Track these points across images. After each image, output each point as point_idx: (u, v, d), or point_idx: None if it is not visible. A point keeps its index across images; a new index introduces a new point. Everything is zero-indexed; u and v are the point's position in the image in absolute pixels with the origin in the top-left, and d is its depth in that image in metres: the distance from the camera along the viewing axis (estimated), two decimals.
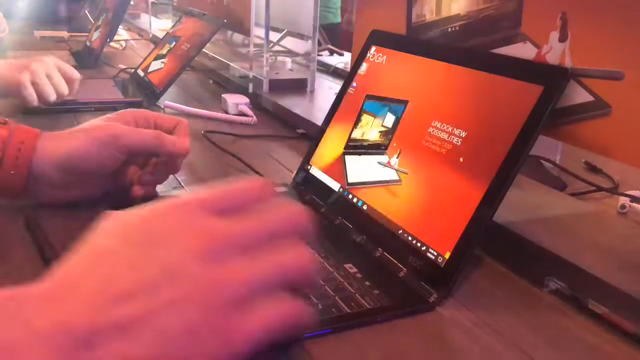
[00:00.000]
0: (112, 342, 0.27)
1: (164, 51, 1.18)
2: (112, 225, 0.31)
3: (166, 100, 1.02)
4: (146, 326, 0.27)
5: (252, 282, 0.29)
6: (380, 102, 0.60)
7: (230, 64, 1.29)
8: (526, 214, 0.55)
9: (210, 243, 0.29)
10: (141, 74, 1.18)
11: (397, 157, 0.55)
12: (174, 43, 1.18)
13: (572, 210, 0.58)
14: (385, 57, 0.63)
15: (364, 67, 0.65)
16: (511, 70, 0.48)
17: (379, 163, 0.56)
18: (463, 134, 0.49)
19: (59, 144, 0.54)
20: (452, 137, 0.50)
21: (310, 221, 0.33)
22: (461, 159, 0.48)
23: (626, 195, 0.67)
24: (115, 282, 0.28)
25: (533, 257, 0.49)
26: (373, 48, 0.65)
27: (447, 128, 0.51)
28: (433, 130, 0.52)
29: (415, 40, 0.66)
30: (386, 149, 0.56)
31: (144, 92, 1.10)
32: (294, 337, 0.33)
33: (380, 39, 0.65)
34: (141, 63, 1.23)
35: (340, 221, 0.57)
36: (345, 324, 0.40)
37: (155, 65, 1.16)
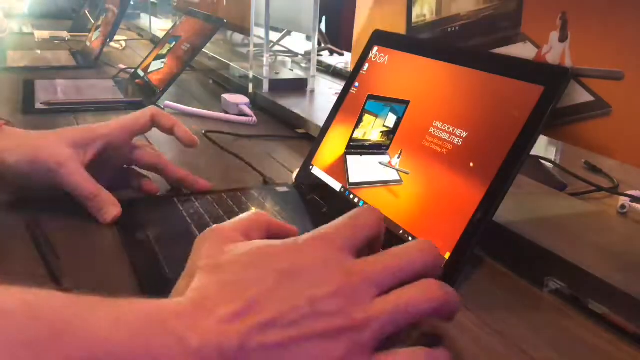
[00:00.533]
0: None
1: (164, 51, 1.19)
2: (251, 249, 0.34)
3: (166, 101, 1.03)
4: (288, 353, 0.29)
5: (385, 323, 0.31)
6: (381, 102, 0.60)
7: (230, 64, 1.29)
8: (526, 214, 0.55)
9: (350, 281, 0.32)
10: (141, 73, 1.18)
11: (398, 158, 0.55)
12: (174, 43, 1.18)
13: (572, 210, 0.58)
14: (387, 57, 0.63)
15: (366, 67, 0.65)
16: (512, 71, 0.48)
17: (380, 163, 0.57)
18: (464, 134, 0.49)
19: (13, 150, 0.54)
20: (453, 137, 0.50)
21: (439, 255, 0.35)
22: (462, 159, 0.48)
23: (626, 195, 0.67)
24: (261, 309, 0.30)
25: (533, 257, 0.49)
26: (375, 48, 0.65)
27: (448, 128, 0.51)
28: (434, 131, 0.52)
29: (417, 41, 0.67)
30: (387, 149, 0.57)
31: (144, 92, 1.10)
32: None
33: (382, 39, 0.65)
34: (141, 63, 1.23)
35: None
36: None
37: (155, 65, 1.16)
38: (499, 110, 0.47)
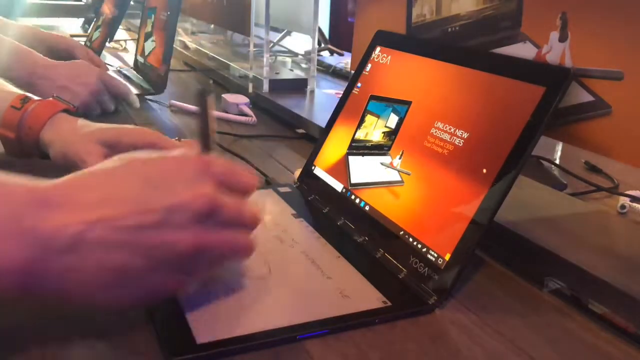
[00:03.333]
0: (92, 252, 0.32)
1: (149, 28, 1.17)
2: (130, 158, 0.37)
3: (172, 100, 1.03)
4: (126, 248, 0.33)
5: (203, 248, 0.35)
6: (383, 103, 0.60)
7: (230, 64, 1.29)
8: (526, 214, 0.55)
9: (203, 207, 0.35)
10: (141, 59, 1.18)
11: (399, 158, 0.55)
12: (152, 16, 1.16)
13: (572, 210, 0.59)
14: (389, 57, 0.63)
15: (368, 67, 0.65)
16: (514, 71, 0.48)
17: (382, 164, 0.57)
18: (465, 135, 0.49)
19: (49, 144, 0.61)
20: (454, 138, 0.50)
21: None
22: (463, 160, 0.48)
23: (626, 195, 0.67)
24: (115, 205, 0.33)
25: (533, 257, 0.49)
26: (378, 49, 0.65)
27: (450, 129, 0.51)
28: (435, 131, 0.52)
29: (420, 41, 0.67)
30: (389, 149, 0.57)
31: (152, 83, 1.10)
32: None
33: (385, 39, 0.65)
34: (137, 47, 1.22)
35: (342, 222, 0.57)
36: (345, 324, 0.41)
37: (149, 46, 1.15)
38: (501, 110, 0.47)
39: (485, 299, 0.46)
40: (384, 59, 0.63)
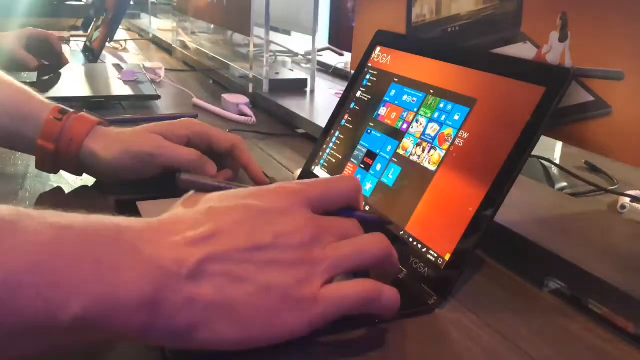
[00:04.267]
0: (216, 282, 0.32)
1: (100, 22, 1.49)
2: (224, 193, 0.37)
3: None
4: (249, 277, 0.32)
5: (340, 261, 0.36)
6: None
7: (230, 64, 1.29)
8: (526, 214, 0.55)
9: (314, 231, 0.36)
10: (88, 43, 1.53)
11: None
12: (104, 15, 1.47)
13: (572, 210, 0.59)
14: (389, 57, 0.63)
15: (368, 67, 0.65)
16: (514, 71, 0.48)
17: None
18: (465, 135, 0.49)
19: (99, 152, 0.60)
20: (454, 138, 0.50)
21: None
22: (463, 160, 0.48)
23: (626, 195, 0.67)
24: (227, 237, 0.33)
25: (533, 257, 0.49)
26: (378, 48, 0.65)
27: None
28: None
29: (420, 41, 0.66)
30: None
31: (85, 55, 1.48)
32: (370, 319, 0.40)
33: (385, 39, 0.65)
34: (89, 35, 1.55)
35: None
36: (346, 324, 0.41)
37: (96, 34, 1.48)
38: (501, 110, 0.47)
39: (485, 299, 0.46)
40: (384, 59, 0.63)
